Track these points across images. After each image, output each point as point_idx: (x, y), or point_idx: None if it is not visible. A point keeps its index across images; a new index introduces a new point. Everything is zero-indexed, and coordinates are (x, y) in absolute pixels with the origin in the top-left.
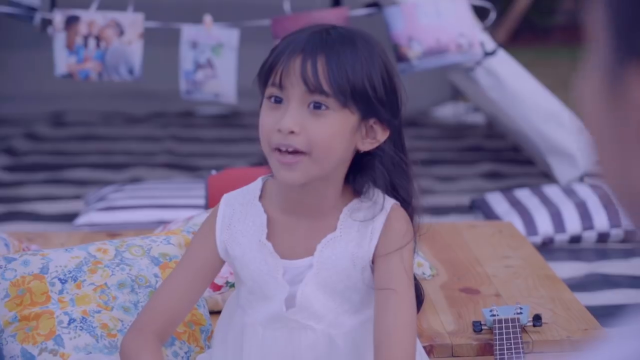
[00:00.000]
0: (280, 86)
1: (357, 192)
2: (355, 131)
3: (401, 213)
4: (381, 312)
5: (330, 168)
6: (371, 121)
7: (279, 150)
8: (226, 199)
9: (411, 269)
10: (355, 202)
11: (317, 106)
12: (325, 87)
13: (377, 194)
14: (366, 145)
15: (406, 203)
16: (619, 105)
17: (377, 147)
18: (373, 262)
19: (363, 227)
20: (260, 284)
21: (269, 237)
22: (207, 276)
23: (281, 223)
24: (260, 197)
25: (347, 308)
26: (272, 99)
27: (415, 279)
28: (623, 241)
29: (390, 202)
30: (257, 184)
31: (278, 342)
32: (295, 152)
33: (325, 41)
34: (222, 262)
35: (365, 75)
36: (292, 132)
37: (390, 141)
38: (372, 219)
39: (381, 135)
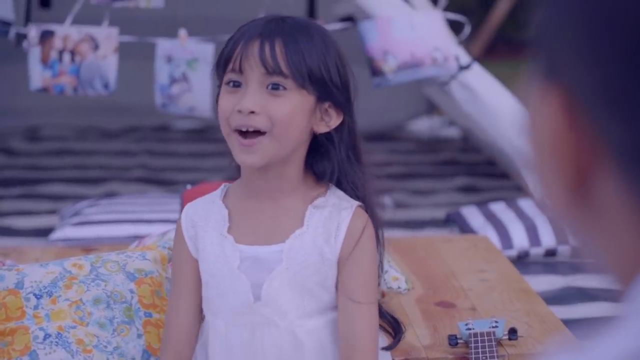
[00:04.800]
0: (240, 70)
1: (319, 178)
2: (312, 113)
3: (365, 215)
4: (344, 319)
5: (289, 147)
6: (326, 104)
7: (239, 131)
8: (188, 205)
9: (376, 278)
10: (320, 200)
11: (276, 87)
12: (284, 68)
13: (342, 193)
14: (321, 128)
15: (356, 196)
16: None
17: (334, 134)
18: (339, 264)
19: (329, 222)
20: (217, 278)
21: (230, 230)
22: (198, 284)
23: (244, 210)
24: (223, 198)
25: (315, 307)
26: (231, 84)
27: (395, 318)
28: None
29: (355, 203)
30: (219, 189)
31: (242, 338)
32: (256, 132)
33: (282, 27)
34: None
35: (321, 60)
36: (252, 112)
37: (342, 130)
38: (338, 214)
39: (335, 119)
